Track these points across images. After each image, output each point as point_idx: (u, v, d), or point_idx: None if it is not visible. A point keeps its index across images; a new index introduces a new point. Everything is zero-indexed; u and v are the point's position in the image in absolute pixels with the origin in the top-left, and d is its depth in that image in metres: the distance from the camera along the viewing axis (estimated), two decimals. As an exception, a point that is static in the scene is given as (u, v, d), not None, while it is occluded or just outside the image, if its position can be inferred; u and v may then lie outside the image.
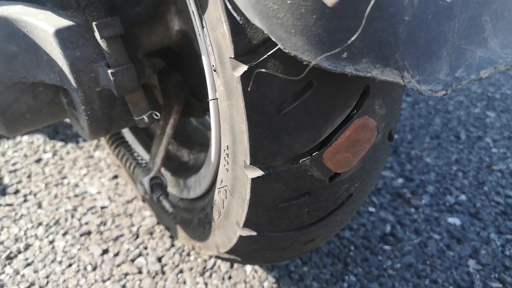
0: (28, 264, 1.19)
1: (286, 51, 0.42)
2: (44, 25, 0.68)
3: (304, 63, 0.42)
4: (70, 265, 1.18)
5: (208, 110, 0.93)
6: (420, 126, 1.77)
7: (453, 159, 1.58)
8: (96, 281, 1.13)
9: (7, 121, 0.81)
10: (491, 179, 1.49)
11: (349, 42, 0.40)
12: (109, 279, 1.14)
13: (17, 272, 1.16)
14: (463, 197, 1.41)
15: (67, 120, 1.80)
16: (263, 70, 0.47)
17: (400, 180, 1.47)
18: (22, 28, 0.71)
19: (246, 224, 0.68)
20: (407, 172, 1.51)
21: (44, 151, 1.63)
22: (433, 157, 1.59)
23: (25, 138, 1.71)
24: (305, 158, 0.56)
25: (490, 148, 1.64)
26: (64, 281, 1.14)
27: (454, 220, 1.32)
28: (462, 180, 1.48)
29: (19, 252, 1.22)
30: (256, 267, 1.16)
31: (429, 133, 1.73)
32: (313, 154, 0.55)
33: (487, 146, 1.66)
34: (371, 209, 1.35)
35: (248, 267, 1.16)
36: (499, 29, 0.45)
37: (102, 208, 1.37)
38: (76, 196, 1.42)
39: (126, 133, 1.23)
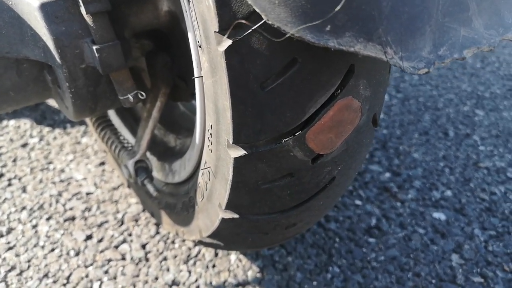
0: (10, 248, 1.17)
1: (270, 22, 0.41)
2: (28, -1, 0.67)
3: (287, 35, 0.42)
4: (52, 250, 1.17)
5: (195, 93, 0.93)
6: (409, 122, 1.78)
7: (441, 155, 1.59)
8: (78, 266, 1.12)
9: (-11, 98, 0.79)
10: (477, 176, 1.50)
11: (332, 13, 0.40)
12: (91, 264, 1.13)
13: (-2, 255, 1.14)
14: (449, 192, 1.42)
15: (55, 105, 1.78)
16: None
17: (388, 175, 1.48)
18: (6, 1, 0.70)
19: (229, 206, 0.67)
20: (394, 166, 1.52)
21: (31, 136, 1.61)
22: (421, 152, 1.60)
23: (12, 122, 1.68)
24: (288, 138, 0.55)
25: (478, 146, 1.65)
26: (46, 265, 1.12)
27: (439, 215, 1.33)
28: (448, 176, 1.49)
29: (1, 235, 1.21)
30: (241, 256, 1.15)
31: (418, 129, 1.74)
32: (296, 134, 0.55)
33: (475, 143, 1.67)
34: (358, 202, 1.36)
35: (233, 256, 1.15)
36: (484, 9, 0.45)
37: (87, 194, 1.36)
38: (61, 181, 1.40)
39: (113, 116, 1.21)
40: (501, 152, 1.62)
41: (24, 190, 1.37)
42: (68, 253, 1.16)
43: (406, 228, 1.28)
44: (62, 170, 1.45)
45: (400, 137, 1.69)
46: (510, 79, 2.17)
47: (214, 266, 1.13)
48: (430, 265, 1.17)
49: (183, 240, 1.19)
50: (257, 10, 0.41)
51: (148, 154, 1.10)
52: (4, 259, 1.14)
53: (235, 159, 0.59)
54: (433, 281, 1.13)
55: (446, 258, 1.19)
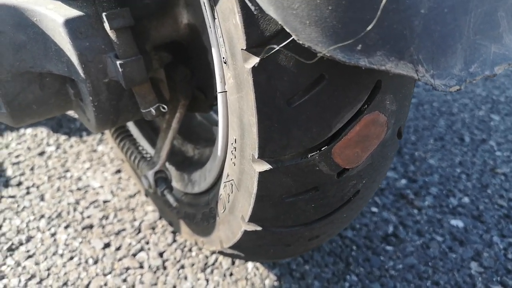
0: (30, 256, 1.18)
1: (300, 42, 0.42)
2: (53, 15, 0.68)
3: (318, 55, 0.42)
4: (71, 258, 1.18)
5: (214, 105, 0.93)
6: (424, 128, 1.77)
7: (457, 161, 1.58)
8: (97, 274, 1.13)
9: (13, 111, 0.81)
10: (494, 182, 1.48)
11: (363, 33, 0.40)
12: (110, 273, 1.14)
13: (18, 264, 1.15)
14: (466, 199, 1.41)
15: (71, 113, 1.80)
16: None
17: (404, 181, 1.47)
18: (31, 18, 0.71)
19: (252, 219, 0.68)
20: (410, 173, 1.51)
21: (48, 144, 1.63)
22: (437, 158, 1.59)
23: (29, 131, 1.71)
24: (314, 153, 0.56)
25: (494, 151, 1.64)
26: (65, 273, 1.13)
27: (457, 222, 1.32)
28: (465, 183, 1.48)
29: (21, 244, 1.22)
30: (258, 264, 1.15)
31: (433, 135, 1.73)
32: (322, 149, 0.55)
33: (491, 149, 1.65)
34: (374, 209, 1.35)
35: (250, 265, 1.15)
36: (514, 25, 0.45)
37: (104, 202, 1.37)
38: (78, 189, 1.42)
39: (131, 127, 1.22)
40: (519, 158, 1.60)
41: (42, 198, 1.38)
42: (86, 261, 1.17)
43: (424, 235, 1.27)
44: (79, 178, 1.46)
45: (415, 143, 1.68)
46: (525, 82, 2.15)
47: (231, 274, 1.13)
48: (449, 273, 1.16)
49: (200, 248, 1.20)
50: (288, 31, 0.42)
51: (166, 164, 1.10)
52: (24, 267, 1.15)
53: (260, 173, 0.59)
54: (453, 289, 1.12)
55: (465, 266, 1.18)
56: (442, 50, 0.42)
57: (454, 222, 1.32)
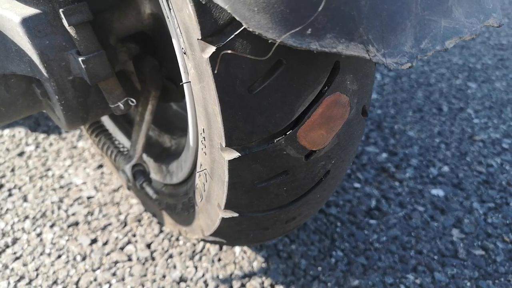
0: (17, 258, 1.18)
1: (251, 29, 0.42)
2: (9, 15, 0.67)
3: (269, 41, 0.42)
4: (59, 257, 1.18)
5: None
6: (402, 100, 1.78)
7: (436, 131, 1.60)
8: (86, 270, 1.14)
9: (-19, 115, 0.79)
10: (473, 149, 1.51)
11: (312, 18, 0.40)
12: (99, 268, 1.14)
13: (6, 267, 1.16)
14: (446, 168, 1.43)
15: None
16: (228, 51, 0.46)
17: (384, 155, 1.49)
18: (-13, 19, 0.69)
19: (227, 206, 0.68)
20: (390, 146, 1.53)
21: (27, 144, 1.61)
22: (416, 130, 1.61)
23: (6, 131, 1.68)
24: (280, 138, 0.56)
25: (472, 119, 1.66)
26: (54, 272, 1.14)
27: (438, 192, 1.35)
28: (445, 152, 1.50)
29: (7, 246, 1.22)
30: (245, 248, 1.17)
31: (411, 107, 1.74)
32: (287, 133, 0.56)
33: (469, 117, 1.68)
34: (356, 184, 1.37)
35: (237, 249, 1.17)
36: (463, -2, 0.45)
37: (88, 198, 1.36)
38: (61, 187, 1.41)
39: (106, 121, 1.21)
40: (496, 124, 1.63)
41: (25, 199, 1.38)
42: (74, 259, 1.17)
43: (406, 207, 1.30)
44: (61, 176, 1.45)
45: (394, 116, 1.69)
46: (500, 48, 2.17)
47: (219, 260, 1.15)
48: (431, 241, 1.19)
49: (185, 237, 1.21)
50: (237, 18, 0.42)
51: (144, 156, 1.10)
52: (12, 269, 1.15)
53: (230, 161, 0.59)
54: (435, 257, 1.15)
55: (447, 234, 1.21)
56: (391, 28, 0.42)
57: (434, 191, 1.35)
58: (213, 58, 0.49)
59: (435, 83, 1.90)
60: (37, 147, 1.60)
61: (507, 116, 1.66)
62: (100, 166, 1.48)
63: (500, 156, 1.47)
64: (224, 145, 0.58)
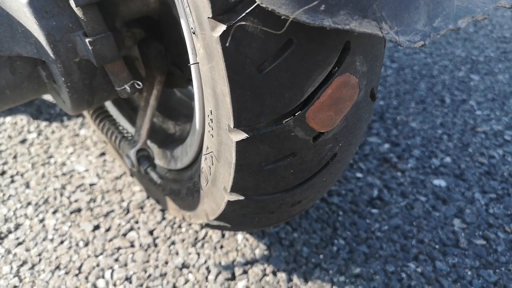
0: (20, 243, 1.19)
1: (263, 5, 0.41)
2: (16, -5, 0.66)
3: (282, 17, 0.41)
4: (62, 242, 1.19)
5: (191, 79, 0.92)
6: (405, 92, 1.78)
7: (438, 122, 1.60)
8: (89, 256, 1.14)
9: (-14, 98, 0.79)
10: (475, 141, 1.51)
11: (326, -7, 0.39)
12: (101, 253, 1.15)
13: (8, 252, 1.16)
14: (448, 159, 1.44)
15: (50, 99, 1.77)
16: (245, 23, 0.46)
17: (387, 146, 1.49)
18: (-6, -1, 0.69)
19: (234, 189, 0.68)
20: (393, 137, 1.53)
21: (29, 131, 1.61)
22: (419, 121, 1.61)
23: (8, 119, 1.68)
24: (288, 118, 0.56)
25: (474, 111, 1.66)
26: (57, 257, 1.14)
27: (440, 182, 1.35)
28: (447, 143, 1.50)
29: (10, 232, 1.22)
30: (247, 235, 1.17)
31: (414, 98, 1.74)
32: (296, 114, 0.56)
33: (471, 108, 1.68)
34: (359, 174, 1.37)
35: (239, 236, 1.17)
36: (477, -23, 0.45)
37: (91, 185, 1.37)
38: (64, 174, 1.41)
39: (110, 107, 1.21)
40: (498, 116, 1.63)
41: (27, 185, 1.38)
42: (77, 244, 1.18)
43: (408, 197, 1.30)
44: (63, 163, 1.45)
45: (397, 107, 1.69)
46: (503, 41, 2.16)
47: (222, 247, 1.15)
48: (433, 231, 1.19)
49: (190, 224, 1.21)
50: (250, -6, 0.41)
51: (148, 142, 1.10)
52: (15, 254, 1.15)
53: (237, 142, 0.59)
54: (437, 246, 1.15)
55: (448, 224, 1.22)
56: (405, 6, 0.42)
57: (436, 182, 1.35)
58: (223, 37, 0.49)
59: (438, 75, 1.90)
60: (39, 134, 1.59)
61: (509, 108, 1.67)
62: (103, 153, 1.48)
63: (502, 147, 1.48)
64: (232, 126, 0.58)
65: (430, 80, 1.86)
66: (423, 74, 1.91)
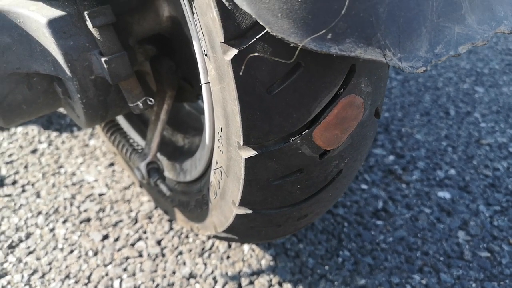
0: (30, 252, 1.21)
1: (274, 34, 0.44)
2: (36, 16, 0.69)
3: (291, 45, 0.44)
4: (71, 252, 1.21)
5: (201, 94, 0.95)
6: (410, 104, 1.80)
7: (443, 134, 1.62)
8: (98, 265, 1.17)
9: (3, 112, 0.82)
10: (479, 153, 1.53)
11: (333, 24, 0.42)
12: (110, 263, 1.17)
13: (20, 260, 1.18)
14: (452, 171, 1.45)
15: (60, 109, 1.81)
16: (255, 54, 0.49)
17: (391, 157, 1.51)
18: (15, 20, 0.72)
19: (242, 203, 0.71)
20: (398, 149, 1.55)
21: (39, 142, 1.64)
22: (423, 133, 1.63)
23: (20, 129, 1.71)
24: (296, 137, 0.58)
25: (479, 123, 1.68)
26: (67, 267, 1.17)
27: (444, 194, 1.36)
28: (451, 155, 1.52)
29: (21, 241, 1.25)
30: (254, 246, 1.19)
31: (419, 110, 1.76)
32: (303, 133, 0.58)
33: (476, 121, 1.69)
34: (364, 186, 1.39)
35: (246, 247, 1.19)
36: (476, 6, 0.47)
37: (100, 195, 1.39)
38: (73, 184, 1.44)
39: (121, 120, 1.24)
40: (502, 128, 1.64)
41: (38, 195, 1.41)
42: (86, 254, 1.20)
43: (413, 208, 1.31)
44: (73, 173, 1.48)
45: (402, 119, 1.71)
46: (508, 53, 2.18)
47: (228, 257, 1.17)
48: (437, 243, 1.21)
49: (197, 234, 1.23)
50: (261, 23, 0.44)
51: (158, 154, 1.13)
52: (26, 263, 1.18)
53: (246, 159, 0.62)
54: (441, 258, 1.16)
55: (453, 236, 1.23)
56: (407, 34, 0.44)
57: (441, 194, 1.36)
58: (234, 60, 0.52)
59: (442, 87, 1.92)
60: (49, 144, 1.63)
61: (513, 121, 1.68)
62: (112, 164, 1.51)
63: (506, 160, 1.49)
64: (241, 143, 0.60)
65: (435, 92, 1.88)
66: (427, 86, 1.93)
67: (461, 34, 0.47)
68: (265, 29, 0.47)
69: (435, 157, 1.51)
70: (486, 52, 2.20)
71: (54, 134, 1.68)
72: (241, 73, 0.50)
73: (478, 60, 2.13)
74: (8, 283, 1.12)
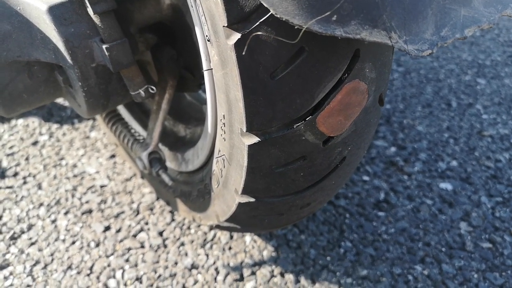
0: (32, 243, 1.21)
1: (278, 16, 0.43)
2: (36, 3, 0.69)
3: (296, 27, 0.43)
4: (73, 243, 1.21)
5: (202, 83, 0.95)
6: (412, 95, 1.80)
7: (445, 126, 1.61)
8: (100, 256, 1.17)
9: (4, 101, 0.82)
10: (481, 145, 1.52)
11: (338, 5, 0.41)
12: (112, 254, 1.17)
13: (22, 251, 1.18)
14: (454, 163, 1.45)
15: (61, 101, 1.80)
16: (258, 33, 0.48)
17: (393, 149, 1.51)
18: (15, 7, 0.71)
19: (245, 191, 0.70)
20: (399, 140, 1.54)
21: (40, 134, 1.64)
22: (425, 125, 1.62)
23: (20, 121, 1.71)
24: (299, 123, 0.58)
25: (481, 115, 1.67)
26: (69, 257, 1.17)
27: (446, 185, 1.36)
28: (453, 147, 1.51)
29: (23, 232, 1.25)
30: (255, 237, 1.19)
31: (420, 102, 1.75)
32: (306, 119, 0.57)
33: (478, 112, 1.69)
34: (365, 177, 1.39)
35: (248, 238, 1.19)
36: (482, -12, 0.47)
37: (101, 187, 1.39)
38: (75, 176, 1.44)
39: (122, 110, 1.24)
40: (504, 119, 1.64)
41: (39, 187, 1.40)
42: (88, 245, 1.20)
43: (414, 200, 1.31)
44: (75, 165, 1.48)
45: (403, 111, 1.70)
46: (510, 45, 2.17)
47: (230, 248, 1.17)
48: (439, 234, 1.21)
49: (199, 225, 1.23)
50: (265, 5, 0.43)
51: (160, 145, 1.12)
52: (28, 254, 1.18)
53: (249, 146, 0.61)
54: (443, 249, 1.16)
55: (454, 227, 1.23)
56: (413, 16, 0.43)
57: (443, 185, 1.36)
58: (238, 45, 0.51)
59: (444, 78, 1.91)
60: (50, 136, 1.62)
61: (515, 113, 1.67)
62: (113, 156, 1.51)
63: (508, 151, 1.49)
64: (244, 130, 0.60)
65: (437, 84, 1.87)
66: (429, 78, 1.92)
67: (467, 17, 0.46)
68: (268, 12, 0.47)
69: (436, 148, 1.51)
70: (488, 43, 2.19)
71: (55, 126, 1.68)
72: (243, 53, 0.50)
73: (480, 52, 2.12)
74: (11, 274, 1.12)
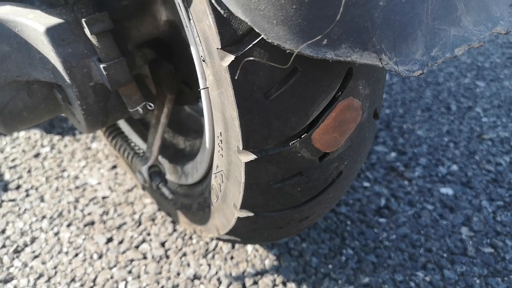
0: (36, 256, 1.22)
1: (269, 41, 0.44)
2: (34, 24, 0.70)
3: (287, 51, 0.44)
4: (76, 255, 1.22)
5: (200, 97, 0.95)
6: (411, 100, 1.80)
7: (444, 130, 1.62)
8: (103, 268, 1.17)
9: (5, 120, 0.83)
10: (482, 148, 1.52)
11: (328, 30, 0.42)
12: (115, 265, 1.18)
13: (25, 265, 1.19)
14: (454, 167, 1.45)
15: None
16: (251, 58, 0.49)
17: (393, 154, 1.51)
18: (13, 28, 0.72)
19: (243, 206, 0.71)
20: (399, 146, 1.55)
21: (42, 146, 1.65)
22: (425, 129, 1.62)
23: (22, 134, 1.72)
24: (295, 140, 0.58)
25: (481, 118, 1.67)
26: (72, 270, 1.17)
27: (447, 190, 1.36)
28: (453, 151, 1.51)
29: (26, 245, 1.25)
30: (257, 246, 1.20)
31: (420, 106, 1.76)
32: (302, 136, 0.58)
33: (477, 115, 1.69)
34: (366, 184, 1.39)
35: (249, 247, 1.20)
36: (472, 7, 0.47)
37: (103, 198, 1.40)
38: (77, 188, 1.45)
39: (122, 123, 1.25)
40: (504, 122, 1.64)
41: (42, 199, 1.41)
42: (91, 257, 1.21)
43: (415, 205, 1.31)
44: (76, 177, 1.49)
45: (403, 115, 1.71)
46: (509, 47, 2.17)
47: (232, 258, 1.18)
48: (440, 239, 1.21)
49: (200, 236, 1.24)
50: (257, 30, 0.44)
51: (159, 157, 1.13)
52: (31, 267, 1.19)
53: (246, 163, 0.62)
54: (445, 255, 1.16)
55: (456, 232, 1.23)
56: (403, 38, 0.44)
57: (444, 190, 1.36)
58: (232, 66, 0.52)
59: (443, 82, 1.91)
60: (52, 148, 1.64)
61: (515, 115, 1.68)
62: (114, 167, 1.52)
63: (509, 154, 1.49)
64: (241, 148, 0.60)
65: (436, 88, 1.87)
66: (428, 81, 1.92)
67: (457, 36, 0.47)
68: (261, 35, 0.48)
69: (437, 153, 1.51)
70: (487, 46, 2.19)
71: (56, 137, 1.69)
72: (236, 77, 0.50)
73: (479, 54, 2.12)
74: (15, 287, 1.13)
